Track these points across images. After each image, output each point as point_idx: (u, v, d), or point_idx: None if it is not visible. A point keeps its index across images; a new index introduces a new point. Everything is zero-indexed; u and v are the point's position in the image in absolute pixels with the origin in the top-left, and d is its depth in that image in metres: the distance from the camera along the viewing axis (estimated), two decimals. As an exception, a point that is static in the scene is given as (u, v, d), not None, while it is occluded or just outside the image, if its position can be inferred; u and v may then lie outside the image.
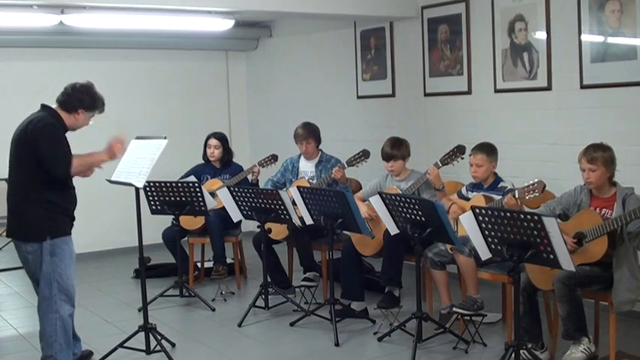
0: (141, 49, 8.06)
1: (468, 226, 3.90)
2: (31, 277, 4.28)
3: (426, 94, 6.58)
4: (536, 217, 3.54)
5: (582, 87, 5.29)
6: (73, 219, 4.28)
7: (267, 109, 8.67)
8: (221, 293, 6.05)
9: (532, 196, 4.42)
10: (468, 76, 6.16)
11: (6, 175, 4.26)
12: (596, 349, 4.23)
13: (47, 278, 4.11)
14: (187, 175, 6.42)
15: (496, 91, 5.94)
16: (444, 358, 4.57)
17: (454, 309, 4.83)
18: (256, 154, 7.75)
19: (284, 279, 6.08)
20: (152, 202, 5.75)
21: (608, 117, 5.16)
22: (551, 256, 3.58)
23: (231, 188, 5.46)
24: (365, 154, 5.76)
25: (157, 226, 6.21)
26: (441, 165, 5.25)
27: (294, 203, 5.25)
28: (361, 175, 6.09)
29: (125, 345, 4.62)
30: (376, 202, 4.66)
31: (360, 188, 5.95)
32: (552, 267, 3.72)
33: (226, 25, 6.57)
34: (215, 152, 6.55)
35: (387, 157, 5.41)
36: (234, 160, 6.71)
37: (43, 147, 4.06)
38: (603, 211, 4.20)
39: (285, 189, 5.88)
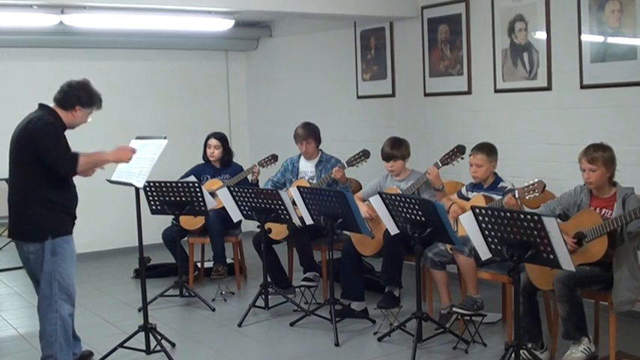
0: (141, 49, 8.06)
1: (467, 226, 3.90)
2: (31, 277, 4.28)
3: (426, 94, 6.58)
4: (536, 217, 3.54)
5: (582, 87, 5.29)
6: (75, 217, 4.28)
7: (267, 109, 8.67)
8: (221, 293, 6.05)
9: (532, 196, 4.43)
10: (467, 76, 6.16)
11: (6, 175, 4.26)
12: (596, 349, 4.23)
13: (48, 277, 4.11)
14: (187, 175, 6.43)
15: (496, 91, 5.94)
16: (444, 358, 4.57)
17: (454, 309, 4.83)
18: (256, 154, 7.75)
19: (284, 279, 6.08)
20: (152, 202, 5.75)
21: (608, 117, 5.16)
22: (551, 256, 3.58)
23: (231, 188, 5.46)
24: (365, 154, 5.76)
25: (156, 226, 6.21)
26: (440, 165, 5.25)
27: (294, 203, 5.25)
28: (361, 175, 6.10)
29: (125, 345, 4.62)
30: (376, 202, 4.66)
31: (360, 188, 5.95)
32: (552, 267, 3.72)
33: (226, 25, 6.57)
34: (215, 152, 6.55)
35: (387, 157, 5.41)
36: (234, 160, 6.71)
37: (45, 146, 4.06)
38: (603, 211, 4.20)
39: (285, 189, 5.88)
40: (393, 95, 6.94)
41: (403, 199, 4.44)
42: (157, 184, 5.61)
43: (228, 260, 6.54)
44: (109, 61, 7.87)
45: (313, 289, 5.82)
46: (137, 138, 4.66)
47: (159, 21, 6.31)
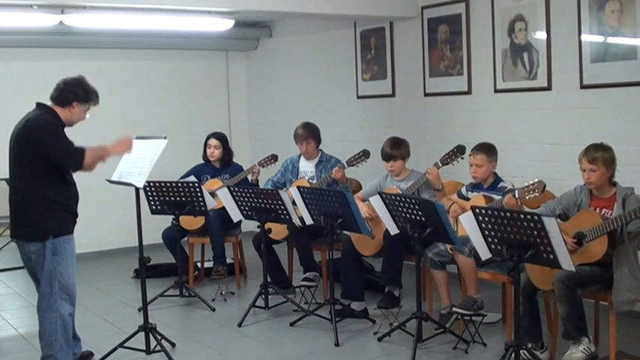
0: (141, 49, 8.06)
1: (467, 226, 3.90)
2: (32, 276, 4.29)
3: (426, 94, 6.58)
4: (536, 217, 3.54)
5: (582, 87, 5.29)
6: (76, 216, 4.28)
7: (267, 109, 8.67)
8: (221, 293, 6.05)
9: (532, 196, 4.43)
10: (468, 76, 6.16)
11: (6, 175, 4.26)
12: (596, 349, 4.23)
13: (48, 276, 4.12)
14: (187, 175, 6.42)
15: (496, 91, 5.94)
16: (444, 358, 4.57)
17: (454, 309, 4.83)
18: (256, 154, 7.75)
19: (284, 279, 6.08)
20: (152, 202, 5.75)
21: (608, 117, 5.16)
22: (551, 256, 3.58)
23: (231, 188, 5.46)
24: (365, 154, 5.76)
25: (157, 226, 6.21)
26: (440, 165, 5.25)
27: (294, 203, 5.25)
28: (361, 175, 6.10)
29: (125, 345, 4.62)
30: (376, 202, 4.66)
31: (360, 188, 5.95)
32: (552, 267, 3.72)
33: (226, 25, 6.57)
34: (215, 152, 6.55)
35: (386, 157, 5.41)
36: (234, 160, 6.71)
37: (48, 144, 4.06)
38: (603, 211, 4.20)
39: (285, 189, 5.88)
40: (393, 95, 6.94)
41: (403, 199, 4.44)
42: (157, 184, 5.61)
43: (228, 260, 6.54)
44: (109, 61, 7.86)
45: (313, 289, 5.82)
46: (137, 138, 4.65)
47: (159, 21, 6.30)
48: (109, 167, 4.55)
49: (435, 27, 6.41)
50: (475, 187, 5.07)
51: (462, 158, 5.26)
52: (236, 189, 5.44)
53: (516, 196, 4.50)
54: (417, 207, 4.36)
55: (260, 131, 8.77)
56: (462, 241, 4.57)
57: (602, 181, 4.20)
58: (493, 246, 3.84)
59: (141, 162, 4.43)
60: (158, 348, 4.59)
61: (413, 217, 4.41)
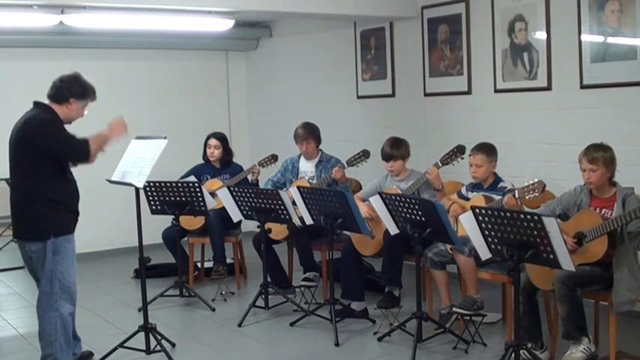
0: (141, 49, 8.06)
1: (467, 226, 3.90)
2: (33, 276, 4.29)
3: (426, 94, 6.58)
4: (536, 217, 3.54)
5: (582, 87, 5.29)
6: (77, 214, 4.28)
7: (267, 109, 8.67)
8: (221, 293, 6.05)
9: (532, 196, 4.43)
10: (468, 76, 6.16)
11: (6, 175, 4.26)
12: (596, 349, 4.23)
13: (48, 276, 4.12)
14: (187, 175, 6.42)
15: (496, 91, 5.94)
16: (444, 358, 4.57)
17: (454, 309, 4.83)
18: (256, 154, 7.75)
19: (284, 279, 6.08)
20: (152, 202, 5.75)
21: (608, 117, 5.16)
22: (551, 256, 3.58)
23: (231, 188, 5.46)
24: (365, 154, 5.76)
25: (157, 226, 6.20)
26: (440, 165, 5.25)
27: (294, 203, 5.25)
28: (361, 175, 6.09)
29: (125, 345, 4.62)
30: (376, 202, 4.66)
31: (360, 188, 5.95)
32: (552, 267, 3.72)
33: (226, 25, 6.57)
34: (215, 152, 6.55)
35: (386, 157, 5.41)
36: (234, 160, 6.71)
37: (51, 141, 4.06)
38: (603, 211, 4.20)
39: (285, 189, 5.88)
40: (393, 95, 6.94)
41: (403, 199, 4.44)
42: (157, 184, 5.61)
43: (228, 260, 6.54)
44: (109, 61, 7.86)
45: (313, 289, 5.82)
46: (137, 138, 4.66)
47: (159, 21, 6.31)
48: (109, 167, 4.55)
49: (435, 27, 6.41)
50: (475, 187, 5.07)
51: (462, 158, 5.26)
52: (236, 189, 5.44)
53: (516, 196, 4.50)
54: (417, 207, 4.36)
55: (260, 131, 8.77)
56: (462, 241, 4.57)
57: (602, 181, 4.20)
58: (493, 246, 3.83)
59: (141, 162, 4.43)
60: (158, 348, 4.59)
61: (413, 217, 4.41)
